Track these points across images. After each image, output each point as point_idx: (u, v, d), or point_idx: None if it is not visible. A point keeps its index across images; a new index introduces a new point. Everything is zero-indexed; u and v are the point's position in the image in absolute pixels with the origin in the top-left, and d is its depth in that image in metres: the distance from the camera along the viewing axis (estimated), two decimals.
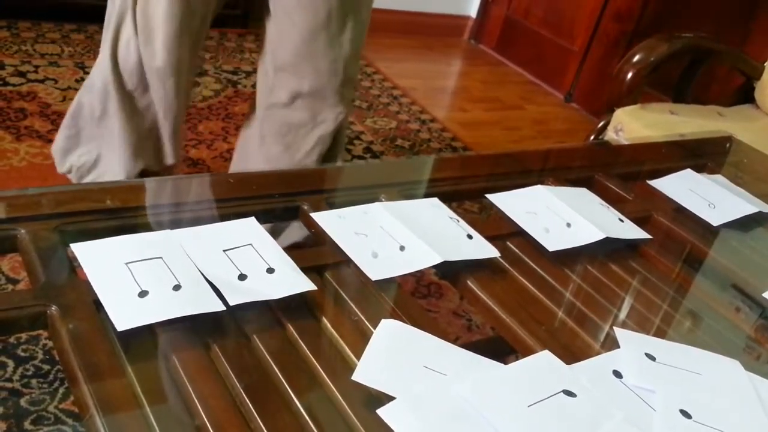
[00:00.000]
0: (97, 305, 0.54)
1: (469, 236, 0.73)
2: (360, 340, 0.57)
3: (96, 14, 2.52)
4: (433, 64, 3.10)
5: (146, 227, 0.64)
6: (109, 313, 0.52)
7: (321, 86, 1.24)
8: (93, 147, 1.24)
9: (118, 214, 0.66)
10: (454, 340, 0.58)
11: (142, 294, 0.54)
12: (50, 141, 1.78)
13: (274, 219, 0.74)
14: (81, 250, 0.57)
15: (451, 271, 0.70)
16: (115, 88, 1.17)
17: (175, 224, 0.64)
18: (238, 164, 1.44)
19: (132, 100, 1.19)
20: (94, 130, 1.23)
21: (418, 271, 0.67)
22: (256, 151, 1.34)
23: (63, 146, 1.26)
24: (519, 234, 0.78)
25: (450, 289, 1.60)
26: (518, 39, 3.23)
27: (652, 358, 0.61)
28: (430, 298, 1.57)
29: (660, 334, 0.69)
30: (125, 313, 0.52)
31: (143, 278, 0.55)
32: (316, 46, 1.21)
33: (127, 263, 0.56)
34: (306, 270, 0.63)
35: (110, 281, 0.55)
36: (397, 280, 0.66)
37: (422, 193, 0.83)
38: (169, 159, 1.26)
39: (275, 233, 1.17)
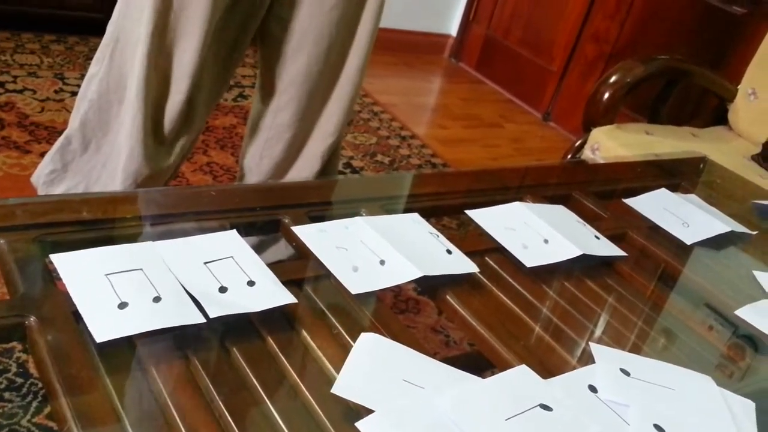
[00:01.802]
0: (77, 317, 0.54)
1: (449, 251, 0.74)
2: (340, 353, 0.57)
3: (76, 26, 2.51)
4: (414, 81, 3.13)
5: (127, 239, 0.64)
6: (88, 325, 0.52)
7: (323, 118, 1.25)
8: (81, 179, 1.20)
9: (98, 225, 0.66)
10: (432, 356, 0.59)
11: (122, 305, 0.54)
12: (28, 152, 1.76)
13: (256, 232, 0.74)
14: (60, 261, 0.57)
15: (430, 286, 0.71)
16: (120, 99, 1.12)
17: (157, 236, 0.64)
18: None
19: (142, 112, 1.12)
20: (82, 164, 1.19)
21: (397, 286, 0.68)
22: (255, 168, 1.32)
23: (47, 180, 1.21)
24: (497, 250, 0.79)
25: (428, 305, 1.61)
26: (498, 58, 3.27)
27: (627, 374, 0.62)
28: (408, 314, 1.58)
29: (635, 349, 0.70)
30: (104, 324, 0.52)
31: (123, 290, 0.55)
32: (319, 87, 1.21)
33: (107, 274, 0.56)
34: (287, 283, 0.63)
35: (90, 292, 0.54)
36: (377, 294, 0.67)
37: (403, 208, 0.84)
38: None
39: (262, 248, 1.16)
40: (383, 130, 2.48)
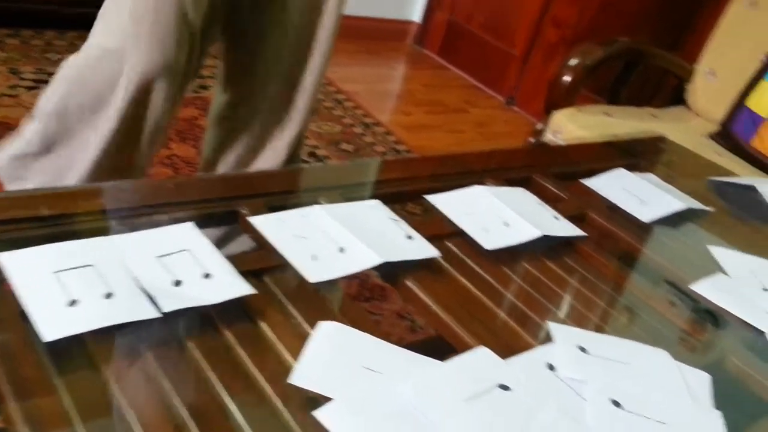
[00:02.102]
0: (24, 317, 0.53)
1: (409, 237, 0.74)
2: (299, 343, 0.57)
3: (31, 19, 2.45)
4: (377, 69, 3.12)
5: (80, 235, 0.63)
6: (35, 324, 0.51)
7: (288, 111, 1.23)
8: (48, 178, 1.16)
9: (49, 221, 0.65)
10: (398, 342, 0.59)
11: (72, 303, 0.53)
12: None
13: (214, 224, 0.73)
14: (7, 259, 0.55)
15: (391, 273, 0.71)
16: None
17: (110, 231, 0.63)
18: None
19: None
20: (45, 162, 1.14)
21: (359, 273, 0.68)
22: (218, 160, 1.30)
23: (11, 174, 1.17)
24: (458, 234, 0.79)
25: (394, 292, 1.61)
26: (461, 43, 3.27)
27: (584, 351, 0.63)
28: (374, 301, 1.58)
29: (594, 327, 0.71)
30: (53, 323, 0.51)
31: (73, 287, 0.54)
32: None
33: (56, 272, 0.55)
34: (245, 274, 0.63)
35: (38, 291, 0.53)
36: (338, 282, 0.66)
37: (363, 195, 0.83)
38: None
39: (227, 240, 1.15)
40: (347, 119, 2.47)
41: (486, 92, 3.12)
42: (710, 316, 0.78)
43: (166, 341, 0.55)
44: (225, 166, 1.28)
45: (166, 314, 0.55)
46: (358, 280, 1.63)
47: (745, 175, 1.35)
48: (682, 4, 2.44)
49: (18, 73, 2.11)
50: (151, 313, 0.54)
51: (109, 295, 0.54)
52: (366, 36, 3.28)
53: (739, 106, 1.80)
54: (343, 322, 0.60)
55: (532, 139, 1.83)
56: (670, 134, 1.42)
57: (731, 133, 1.80)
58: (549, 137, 1.76)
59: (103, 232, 0.62)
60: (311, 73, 1.22)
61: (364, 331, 0.59)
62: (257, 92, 1.22)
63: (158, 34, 1.01)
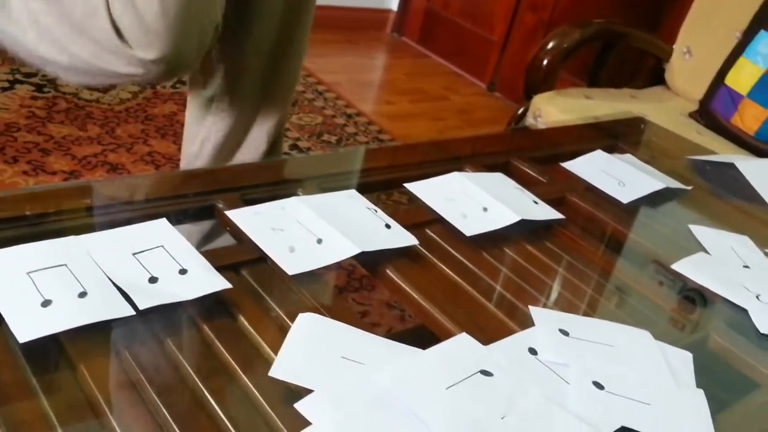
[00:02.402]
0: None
1: (387, 226, 0.74)
2: (278, 336, 0.56)
3: None
4: (357, 58, 3.10)
5: (52, 234, 0.62)
6: (9, 325, 0.50)
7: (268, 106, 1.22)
8: None
9: (21, 221, 0.64)
10: (387, 331, 0.59)
11: (45, 303, 0.52)
12: None
13: (189, 219, 0.73)
14: None
15: (370, 262, 0.71)
16: None
17: (83, 230, 0.62)
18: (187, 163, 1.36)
19: None
20: None
21: (341, 263, 0.67)
22: (198, 153, 1.29)
23: None
24: (438, 221, 0.79)
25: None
26: (439, 31, 3.26)
27: (566, 334, 0.63)
28: (362, 291, 1.57)
29: (575, 309, 0.71)
30: (27, 324, 0.50)
31: (46, 287, 0.53)
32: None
33: (28, 272, 0.54)
34: (222, 269, 0.62)
35: (11, 292, 0.52)
36: (320, 274, 0.66)
37: (341, 185, 0.83)
38: None
39: (211, 236, 1.14)
40: (328, 110, 2.46)
41: (467, 79, 3.11)
42: (692, 295, 0.79)
43: (143, 339, 0.54)
44: (204, 159, 1.27)
45: (142, 311, 0.54)
46: (345, 271, 1.62)
47: (726, 153, 1.36)
48: None
49: None
50: (127, 311, 0.53)
51: (83, 294, 0.54)
52: (345, 26, 3.26)
53: (718, 84, 1.81)
54: (323, 314, 0.60)
55: (513, 124, 1.83)
56: (651, 114, 1.42)
57: (711, 112, 1.81)
58: (530, 121, 1.76)
59: (76, 230, 0.61)
60: (291, 65, 1.21)
61: (346, 321, 0.59)
62: (238, 85, 1.21)
63: None
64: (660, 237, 0.90)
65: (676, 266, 0.81)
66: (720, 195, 1.10)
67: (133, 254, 0.60)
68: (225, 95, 1.21)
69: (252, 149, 1.26)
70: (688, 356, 0.64)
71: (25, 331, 0.50)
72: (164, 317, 0.56)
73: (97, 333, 0.53)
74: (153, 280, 0.57)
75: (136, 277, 0.57)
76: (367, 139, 2.33)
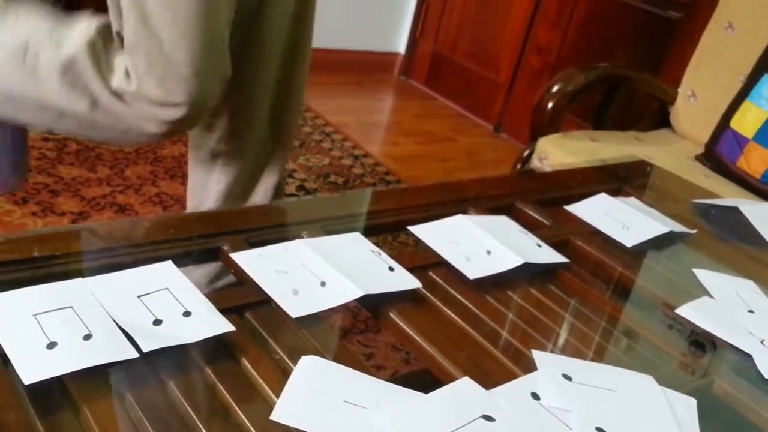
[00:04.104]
0: (4, 359, 0.52)
1: (391, 269, 0.74)
2: (281, 378, 0.57)
3: None
4: (365, 100, 3.15)
5: (58, 276, 0.63)
6: (15, 366, 0.51)
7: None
8: None
9: (28, 264, 0.65)
10: (392, 374, 0.59)
11: (51, 345, 0.52)
12: None
13: (194, 262, 0.73)
14: None
15: (373, 305, 0.71)
16: None
17: (89, 272, 0.63)
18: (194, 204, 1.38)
19: None
20: None
21: (344, 306, 0.67)
22: (207, 191, 1.30)
23: None
24: (441, 264, 0.79)
25: None
26: (446, 73, 3.31)
27: (569, 378, 0.62)
28: (368, 333, 1.57)
29: (578, 354, 0.71)
30: (33, 365, 0.51)
31: (52, 329, 0.54)
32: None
33: (35, 315, 0.55)
34: (226, 311, 0.62)
35: (17, 334, 0.53)
36: (324, 317, 0.66)
37: (346, 228, 0.84)
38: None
39: (218, 277, 1.14)
40: (336, 151, 2.49)
41: (473, 120, 3.15)
42: (696, 339, 0.78)
43: (147, 381, 0.55)
44: (216, 202, 1.28)
45: (145, 354, 0.55)
46: (351, 313, 1.62)
47: (732, 197, 1.37)
48: (659, 26, 2.48)
49: None
50: (131, 353, 0.54)
51: (88, 337, 0.54)
52: (353, 68, 3.32)
53: (723, 127, 1.82)
54: (326, 357, 0.60)
55: (518, 166, 1.85)
56: (656, 157, 1.43)
57: (716, 155, 1.82)
58: (536, 164, 1.77)
59: (81, 273, 0.62)
60: (292, 106, 1.23)
61: (349, 364, 0.59)
62: (243, 136, 1.22)
63: None
64: (664, 281, 0.90)
65: (680, 311, 0.81)
66: (725, 239, 1.10)
67: (138, 297, 0.60)
68: (230, 146, 1.23)
69: (260, 195, 1.27)
70: (692, 402, 0.64)
71: (30, 373, 0.50)
72: (168, 359, 0.56)
73: (101, 375, 0.53)
74: (157, 322, 0.58)
75: (140, 319, 0.58)
76: (374, 180, 2.35)
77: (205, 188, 1.27)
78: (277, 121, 1.23)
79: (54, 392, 0.52)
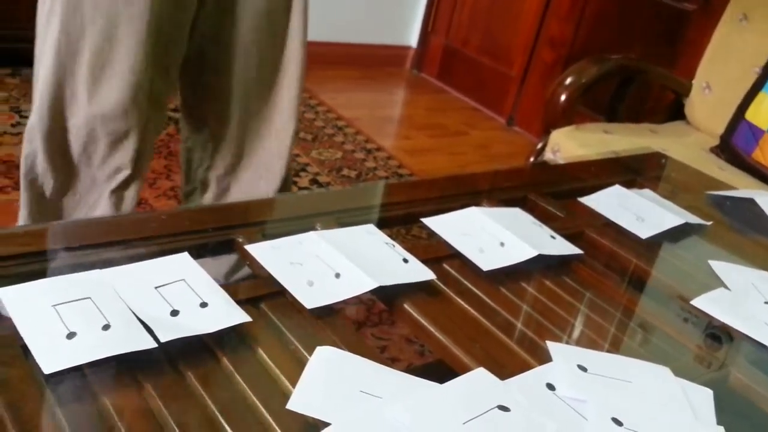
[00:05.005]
0: (25, 350, 0.53)
1: (405, 260, 0.74)
2: (296, 369, 0.57)
3: (31, 59, 2.48)
4: (377, 94, 3.14)
5: (76, 268, 0.63)
6: (35, 357, 0.51)
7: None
8: None
9: (47, 256, 0.66)
10: (406, 366, 0.59)
11: (70, 336, 0.53)
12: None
13: (209, 253, 0.74)
14: (6, 295, 0.56)
15: (387, 296, 0.71)
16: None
17: (107, 264, 0.63)
18: None
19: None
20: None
21: (359, 298, 0.68)
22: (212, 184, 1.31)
23: None
24: (455, 256, 0.80)
25: None
26: (458, 67, 3.29)
27: (584, 369, 0.62)
28: (382, 326, 1.57)
29: (593, 345, 0.71)
30: (53, 355, 0.51)
31: (71, 320, 0.55)
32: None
33: (54, 305, 0.56)
34: (242, 302, 0.63)
35: (37, 325, 0.54)
36: (337, 307, 0.67)
37: (360, 220, 0.84)
38: None
39: (232, 270, 1.14)
40: (348, 144, 2.49)
41: (486, 114, 3.14)
42: (713, 331, 0.78)
43: (165, 371, 0.55)
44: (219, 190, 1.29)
45: (163, 344, 0.55)
46: (365, 305, 1.63)
47: (747, 188, 1.36)
48: (674, 17, 2.46)
49: (19, 111, 2.14)
50: (149, 343, 0.54)
51: (106, 327, 0.55)
52: (365, 62, 3.31)
53: (738, 119, 1.81)
54: (340, 348, 0.60)
55: (531, 159, 1.84)
56: (671, 149, 1.42)
57: (732, 147, 1.81)
58: (549, 156, 1.77)
59: (100, 265, 0.63)
60: (287, 92, 1.21)
61: (363, 355, 0.59)
62: (228, 121, 1.22)
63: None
64: (679, 273, 0.90)
65: (696, 302, 0.80)
66: (740, 230, 1.10)
67: (156, 288, 0.61)
68: (219, 135, 1.22)
69: (264, 184, 1.26)
70: (708, 393, 0.64)
71: (50, 363, 0.51)
72: (185, 349, 0.57)
73: (120, 364, 0.54)
74: (174, 313, 0.59)
75: (158, 310, 0.58)
76: (387, 173, 2.35)
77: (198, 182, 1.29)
78: (267, 107, 1.21)
79: (74, 382, 0.53)
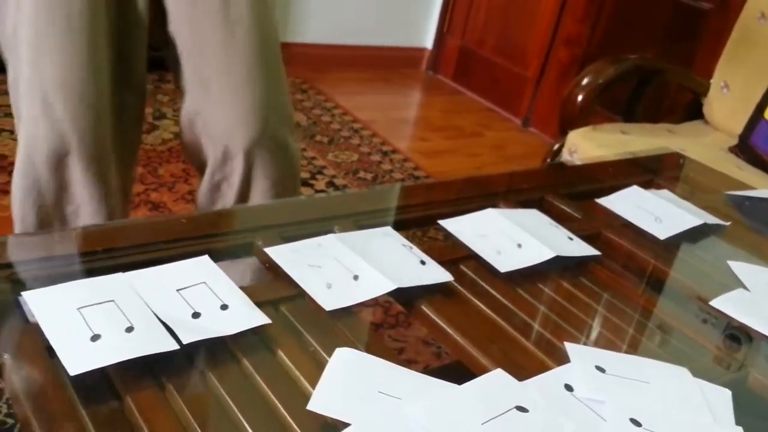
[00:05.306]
0: (50, 352, 0.54)
1: (422, 262, 0.75)
2: (316, 370, 0.58)
3: None
4: (392, 96, 3.15)
5: (99, 272, 0.64)
6: (61, 358, 0.52)
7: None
8: None
9: (71, 260, 0.67)
10: (423, 368, 0.59)
11: (95, 338, 0.54)
12: (7, 192, 1.76)
13: (228, 256, 0.75)
14: (32, 297, 0.57)
15: (405, 298, 0.72)
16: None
17: (129, 267, 0.64)
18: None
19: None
20: None
21: (375, 299, 0.68)
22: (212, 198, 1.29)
23: None
24: (472, 257, 0.80)
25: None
26: (474, 68, 3.29)
27: (602, 370, 0.62)
28: (399, 328, 1.58)
29: (611, 346, 0.71)
30: (78, 357, 0.52)
31: (95, 322, 0.56)
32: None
33: (79, 308, 0.57)
34: (261, 304, 0.64)
35: (62, 327, 0.55)
36: (356, 309, 0.67)
37: (377, 223, 0.84)
38: None
39: (241, 272, 1.13)
40: (364, 147, 2.50)
41: (502, 115, 3.13)
42: (732, 332, 0.78)
43: (187, 372, 0.56)
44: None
45: (185, 346, 0.56)
46: (382, 308, 1.63)
47: (766, 188, 1.34)
48: (691, 17, 2.44)
49: None
50: (171, 345, 0.55)
51: (130, 329, 0.56)
52: (380, 65, 3.32)
53: (757, 118, 1.79)
54: (359, 349, 0.61)
55: (548, 160, 1.84)
56: (689, 149, 1.41)
57: (751, 146, 1.79)
58: (566, 157, 1.76)
59: (122, 268, 0.64)
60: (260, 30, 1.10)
61: (381, 357, 0.60)
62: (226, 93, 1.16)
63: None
64: (698, 273, 0.89)
65: (715, 303, 0.80)
66: (759, 230, 1.09)
67: (177, 290, 0.62)
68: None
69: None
70: (727, 393, 0.64)
71: (75, 364, 0.52)
72: (206, 351, 0.58)
73: (143, 366, 0.55)
74: (196, 315, 0.59)
75: (179, 312, 0.59)
76: (403, 176, 2.35)
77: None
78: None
79: (98, 383, 0.54)
